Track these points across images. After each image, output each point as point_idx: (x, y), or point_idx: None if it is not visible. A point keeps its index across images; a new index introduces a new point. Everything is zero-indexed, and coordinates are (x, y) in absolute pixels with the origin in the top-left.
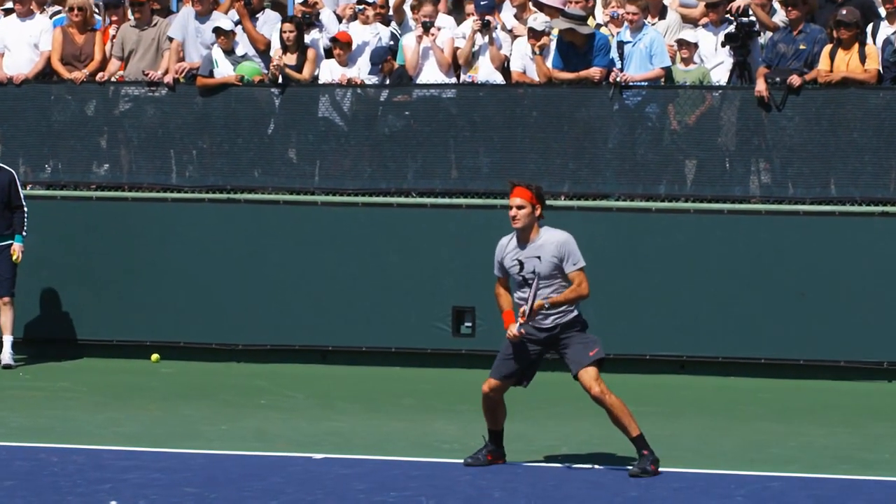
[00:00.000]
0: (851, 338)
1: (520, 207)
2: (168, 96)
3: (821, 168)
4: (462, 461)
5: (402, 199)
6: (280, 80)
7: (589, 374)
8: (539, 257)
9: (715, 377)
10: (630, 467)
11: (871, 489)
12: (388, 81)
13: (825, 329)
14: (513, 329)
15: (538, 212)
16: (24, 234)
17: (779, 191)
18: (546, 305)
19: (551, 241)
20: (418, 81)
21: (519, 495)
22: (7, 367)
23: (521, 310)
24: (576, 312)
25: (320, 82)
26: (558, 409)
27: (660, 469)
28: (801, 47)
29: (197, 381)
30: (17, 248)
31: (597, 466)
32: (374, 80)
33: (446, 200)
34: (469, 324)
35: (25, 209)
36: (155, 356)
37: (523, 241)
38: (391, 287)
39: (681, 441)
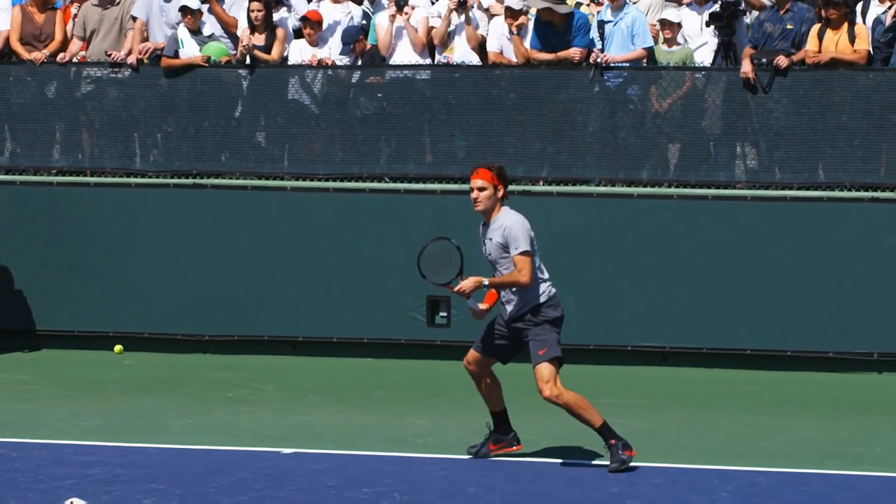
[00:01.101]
0: (841, 328)
1: (481, 189)
2: (132, 78)
3: (809, 152)
4: (435, 455)
5: (375, 185)
6: (248, 61)
7: (540, 374)
8: (492, 239)
9: (699, 369)
10: (609, 463)
11: (862, 484)
12: (359, 62)
13: (813, 319)
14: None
15: (500, 192)
16: None
17: (765, 176)
18: (484, 283)
19: (502, 223)
20: (391, 62)
21: (495, 491)
22: None
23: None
24: (538, 303)
25: (290, 63)
26: (536, 402)
27: (635, 452)
28: (789, 27)
29: (161, 374)
30: None
31: (576, 461)
32: (345, 60)
33: (421, 186)
34: (444, 314)
35: None
36: (118, 347)
37: (486, 223)
38: (364, 276)
39: (663, 435)
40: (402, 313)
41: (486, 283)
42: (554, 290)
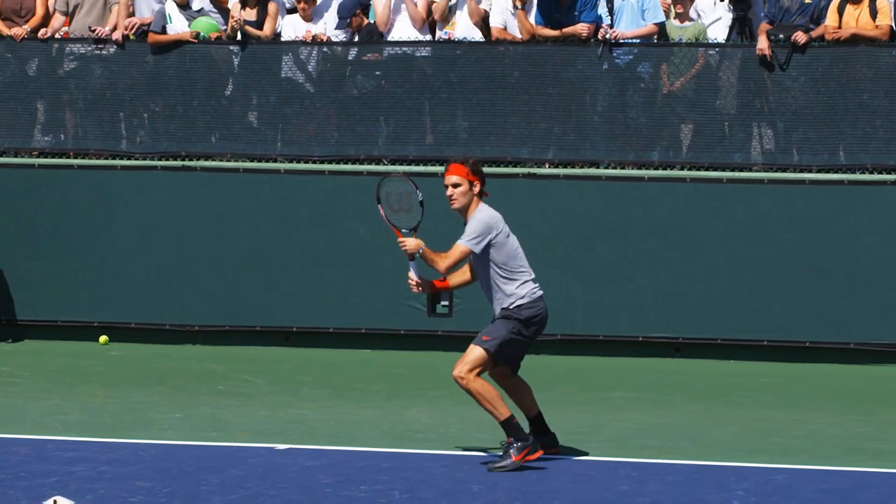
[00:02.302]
0: (861, 317)
1: (455, 185)
2: (117, 55)
3: (828, 133)
4: (436, 451)
5: (373, 167)
6: (239, 37)
7: (467, 354)
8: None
9: (713, 361)
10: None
11: (883, 482)
12: (356, 38)
13: (833, 308)
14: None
15: (476, 188)
16: None
17: (783, 158)
18: (420, 250)
19: (473, 218)
20: (390, 38)
21: (499, 489)
22: None
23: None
24: (512, 303)
25: (283, 39)
26: (542, 396)
27: (527, 457)
28: (807, 1)
29: (148, 366)
30: None
31: (584, 457)
32: (341, 36)
33: (421, 168)
34: (446, 303)
35: None
36: (103, 338)
37: (464, 220)
38: (361, 263)
39: (676, 430)
40: (401, 302)
41: (421, 251)
42: (538, 293)
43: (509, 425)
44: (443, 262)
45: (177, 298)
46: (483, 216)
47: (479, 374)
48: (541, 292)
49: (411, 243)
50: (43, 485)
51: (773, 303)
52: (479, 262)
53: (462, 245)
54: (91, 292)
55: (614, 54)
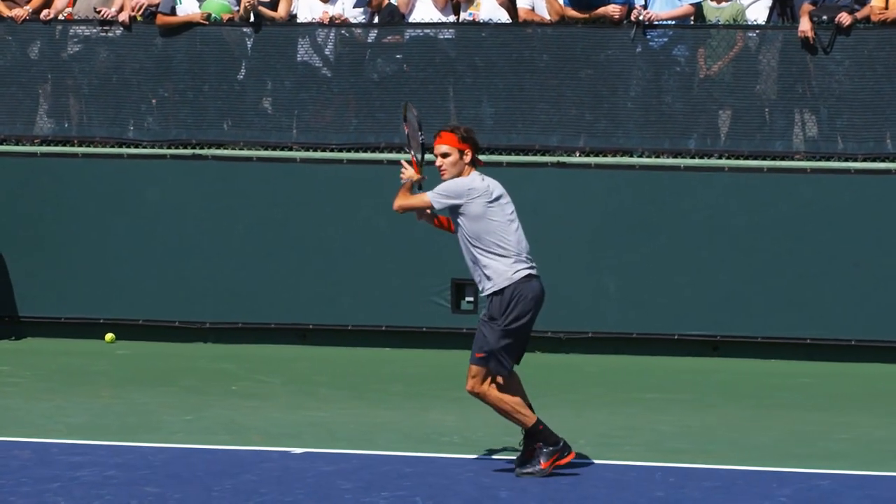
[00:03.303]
0: None
1: (444, 155)
2: (123, 37)
3: (874, 119)
4: (461, 455)
5: (394, 156)
6: (252, 18)
7: (470, 368)
8: None
9: (753, 360)
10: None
11: None
12: (376, 20)
13: (880, 304)
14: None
15: (468, 157)
16: None
17: (826, 146)
18: (415, 179)
19: None
20: (412, 20)
21: (529, 496)
22: None
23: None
24: (492, 288)
25: (299, 21)
26: (573, 397)
27: (557, 462)
28: None
29: (157, 365)
30: None
31: (618, 462)
32: (360, 18)
33: None
34: (471, 299)
35: None
36: (109, 336)
37: None
38: (381, 257)
39: (714, 433)
40: (423, 298)
41: (413, 181)
42: (521, 274)
43: (538, 432)
44: (404, 199)
45: (187, 294)
46: (461, 180)
47: (492, 383)
48: (525, 273)
49: (412, 172)
50: (46, 490)
51: (816, 299)
52: (457, 231)
53: (426, 194)
54: (96, 288)
55: (648, 37)
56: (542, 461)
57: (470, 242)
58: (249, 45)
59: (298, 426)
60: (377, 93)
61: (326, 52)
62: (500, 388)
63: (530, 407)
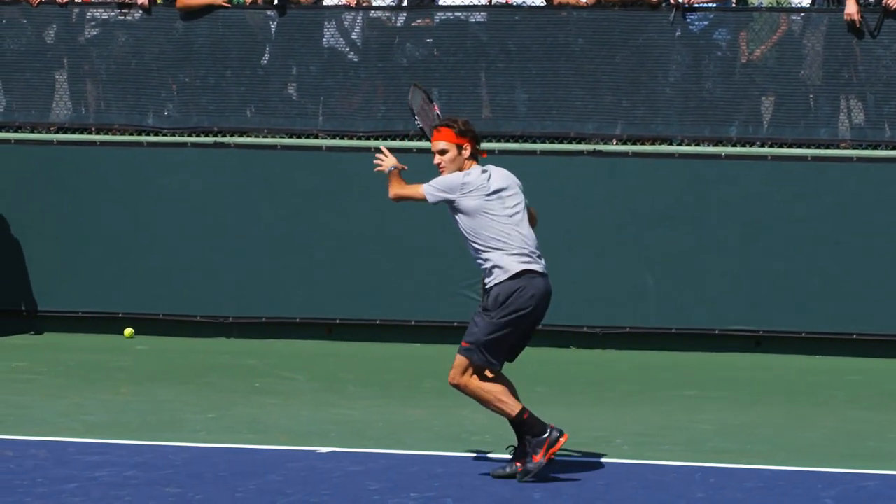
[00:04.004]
0: None
1: (442, 152)
2: (143, 21)
3: None
4: (493, 454)
5: (423, 144)
6: (276, 1)
7: (456, 360)
8: None
9: (797, 356)
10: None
11: None
12: (405, 3)
13: None
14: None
15: (467, 151)
16: None
17: (873, 133)
18: (394, 168)
19: None
20: (442, 3)
21: (563, 497)
22: None
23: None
24: (493, 282)
25: (325, 4)
26: (609, 394)
27: (550, 450)
28: None
29: (178, 361)
30: None
31: (656, 461)
32: (389, 1)
33: None
34: None
35: None
36: (128, 331)
37: None
38: (410, 248)
39: (757, 432)
40: (454, 292)
41: (392, 169)
42: (520, 268)
43: (523, 422)
44: (400, 188)
45: (209, 288)
46: (456, 174)
47: (474, 373)
48: (527, 268)
49: (390, 159)
50: (62, 491)
51: (863, 292)
52: (473, 232)
53: (421, 186)
54: (115, 281)
55: (688, 20)
56: (535, 454)
57: (467, 237)
58: (273, 29)
59: (324, 424)
60: (406, 78)
61: (353, 36)
62: (483, 379)
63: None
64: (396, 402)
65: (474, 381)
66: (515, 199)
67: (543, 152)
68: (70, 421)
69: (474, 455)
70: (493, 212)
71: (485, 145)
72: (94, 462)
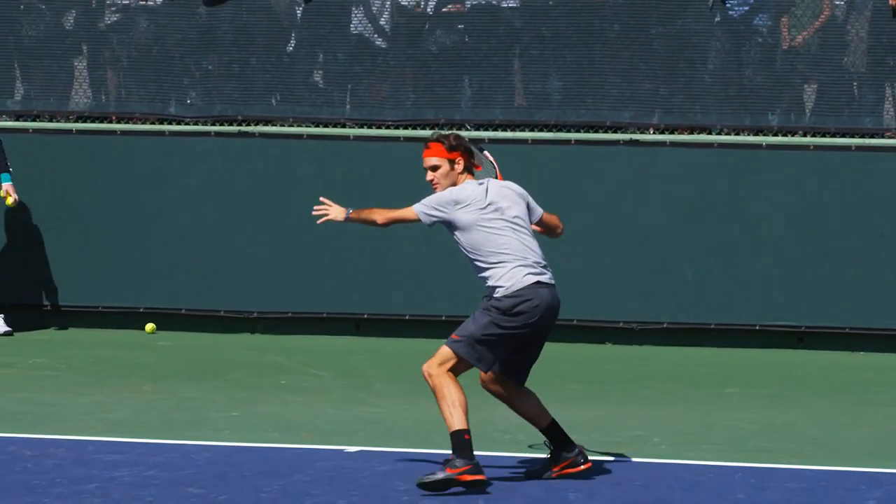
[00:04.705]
0: None
1: (434, 168)
2: (165, 6)
3: None
4: (525, 454)
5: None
6: None
7: (439, 350)
8: None
9: (841, 352)
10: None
11: None
12: None
13: None
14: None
15: (460, 165)
16: (10, 170)
17: None
18: (346, 215)
19: None
20: None
21: (599, 497)
22: (7, 334)
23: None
24: (493, 291)
25: None
26: (646, 392)
27: (462, 476)
28: None
29: (201, 357)
30: (10, 190)
31: (694, 461)
32: None
33: (508, 134)
34: None
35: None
36: (150, 326)
37: None
38: (441, 242)
39: (799, 431)
40: (484, 287)
41: (348, 215)
42: (530, 280)
43: (459, 440)
44: (387, 212)
45: (233, 281)
46: (448, 191)
47: (449, 370)
48: (536, 279)
49: (336, 212)
50: (82, 492)
51: None
52: (472, 250)
53: (412, 207)
54: (136, 274)
55: (727, 5)
56: (446, 468)
57: (469, 255)
58: (299, 15)
59: (352, 423)
60: (436, 66)
61: (382, 22)
62: (517, 398)
63: (556, 424)
64: (426, 399)
65: (446, 378)
66: (516, 209)
67: (578, 142)
68: (90, 419)
69: (506, 454)
70: (492, 225)
71: (517, 135)
72: (114, 461)
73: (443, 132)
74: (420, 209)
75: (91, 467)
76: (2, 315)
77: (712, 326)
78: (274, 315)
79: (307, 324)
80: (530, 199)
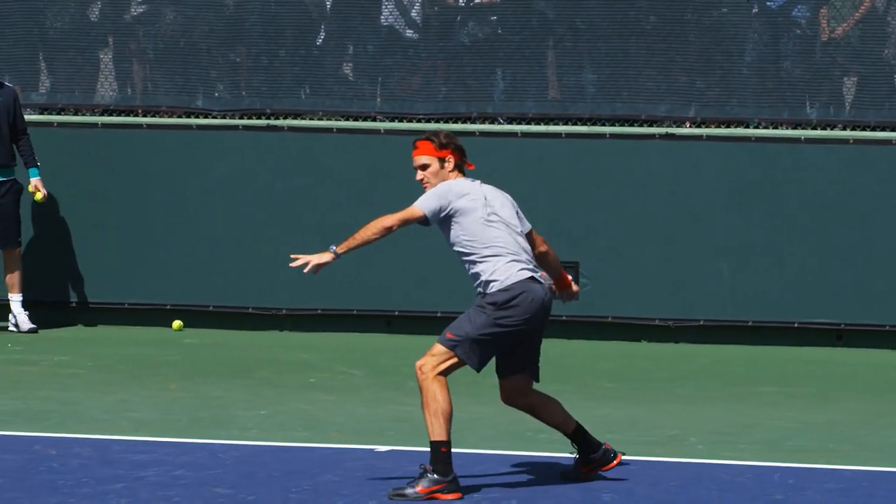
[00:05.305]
0: None
1: (424, 167)
2: None
3: None
4: (560, 454)
5: (487, 127)
6: None
7: (434, 346)
8: None
9: (881, 350)
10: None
11: None
12: None
13: None
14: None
15: (450, 164)
16: (38, 165)
17: None
18: (333, 256)
19: None
20: None
21: (635, 498)
22: (32, 331)
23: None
24: (496, 287)
25: None
26: (683, 391)
27: (437, 494)
28: None
29: (229, 355)
30: (39, 185)
31: (732, 462)
32: None
33: (542, 128)
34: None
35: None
36: (177, 323)
37: None
38: None
39: (838, 430)
40: None
41: (334, 250)
42: (524, 275)
43: (436, 451)
44: (389, 218)
45: (261, 278)
46: (443, 183)
47: (442, 373)
48: (530, 274)
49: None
50: (108, 492)
51: None
52: (450, 238)
53: (414, 205)
54: (162, 271)
55: None
56: (420, 485)
57: (465, 248)
58: (329, 6)
59: (383, 422)
60: (468, 58)
61: (413, 14)
62: (542, 409)
63: (581, 429)
64: (459, 398)
65: (437, 383)
66: (510, 211)
67: (613, 136)
68: (116, 418)
69: (540, 454)
70: (489, 218)
71: (551, 129)
72: (141, 461)
73: (434, 131)
74: (421, 203)
75: (117, 467)
76: (27, 312)
77: (749, 324)
78: (303, 312)
79: (337, 321)
80: (520, 211)
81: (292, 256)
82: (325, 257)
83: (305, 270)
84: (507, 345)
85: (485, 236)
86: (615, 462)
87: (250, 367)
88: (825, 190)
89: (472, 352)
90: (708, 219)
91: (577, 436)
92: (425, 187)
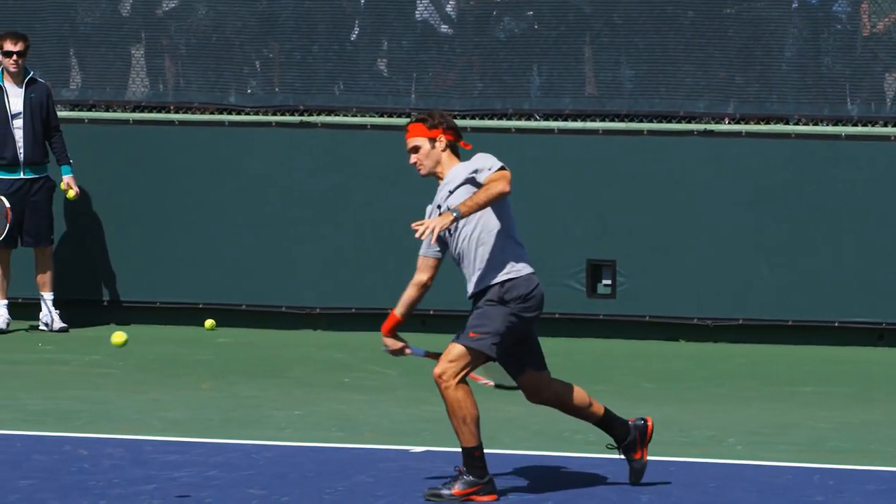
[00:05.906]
0: None
1: (415, 149)
2: None
3: None
4: (596, 455)
5: (523, 123)
6: None
7: (451, 350)
8: (451, 192)
9: None
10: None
11: None
12: None
13: None
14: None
15: (441, 143)
16: (71, 162)
17: None
18: (456, 216)
19: (464, 164)
20: None
21: (672, 499)
22: (63, 330)
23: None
24: (508, 275)
25: None
26: (721, 391)
27: (473, 496)
28: None
29: (262, 355)
30: (71, 182)
31: (772, 462)
32: None
33: (578, 124)
34: (608, 282)
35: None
36: (209, 322)
37: (439, 186)
38: None
39: (878, 430)
40: (556, 281)
41: (458, 214)
42: (530, 270)
43: (470, 456)
44: (493, 186)
45: (294, 276)
46: (479, 155)
47: (463, 379)
48: (532, 269)
49: (438, 221)
50: (140, 493)
51: None
52: (470, 222)
53: (500, 169)
54: (194, 269)
55: None
56: (456, 487)
57: (503, 230)
58: (363, 1)
59: (418, 422)
60: (504, 53)
61: (448, 9)
62: (567, 398)
63: (597, 409)
64: (494, 398)
65: (460, 391)
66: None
67: (651, 132)
68: (148, 418)
69: (576, 455)
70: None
71: (588, 125)
72: (173, 462)
73: (426, 111)
74: (499, 165)
75: (149, 467)
76: (58, 311)
77: (789, 323)
78: (337, 311)
79: (371, 320)
80: None
81: (413, 226)
82: (447, 219)
83: (425, 236)
84: (517, 337)
85: (509, 217)
86: (650, 428)
87: (283, 366)
88: (866, 187)
89: (497, 345)
90: (747, 217)
91: (607, 419)
92: (419, 170)
